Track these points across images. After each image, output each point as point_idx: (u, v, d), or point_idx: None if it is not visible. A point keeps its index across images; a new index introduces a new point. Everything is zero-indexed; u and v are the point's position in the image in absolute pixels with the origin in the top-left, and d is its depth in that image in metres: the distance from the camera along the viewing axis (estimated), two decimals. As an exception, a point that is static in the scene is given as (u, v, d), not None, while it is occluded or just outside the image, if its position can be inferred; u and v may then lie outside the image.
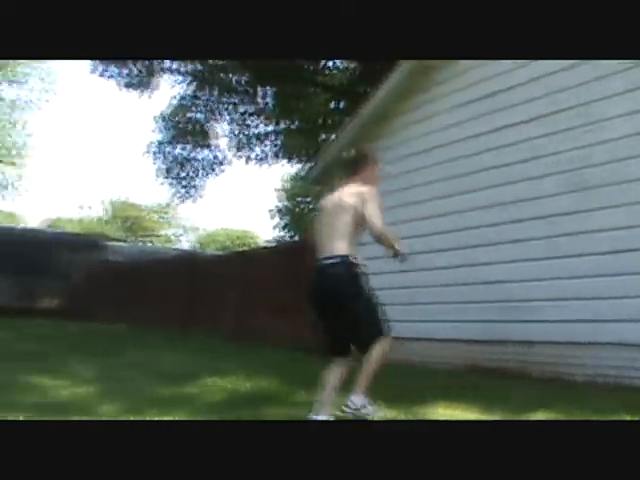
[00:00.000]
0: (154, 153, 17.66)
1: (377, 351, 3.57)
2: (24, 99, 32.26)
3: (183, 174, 17.94)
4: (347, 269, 3.66)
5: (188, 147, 17.66)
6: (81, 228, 37.99)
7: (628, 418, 3.50)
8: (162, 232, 42.84)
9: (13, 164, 32.07)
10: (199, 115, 17.11)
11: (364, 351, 3.60)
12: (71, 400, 4.45)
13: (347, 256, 3.66)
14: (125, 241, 32.95)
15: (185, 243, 43.23)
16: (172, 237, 43.47)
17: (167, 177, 17.95)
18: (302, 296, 4.30)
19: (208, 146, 17.78)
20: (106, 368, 6.21)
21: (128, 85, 16.04)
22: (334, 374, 3.66)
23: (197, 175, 18.10)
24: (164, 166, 17.71)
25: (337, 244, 3.70)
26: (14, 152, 32.02)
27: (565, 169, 5.82)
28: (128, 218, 41.21)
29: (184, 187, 18.21)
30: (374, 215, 3.69)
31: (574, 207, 5.73)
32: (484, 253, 6.47)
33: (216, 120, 17.08)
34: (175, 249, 26.05)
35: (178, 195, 18.65)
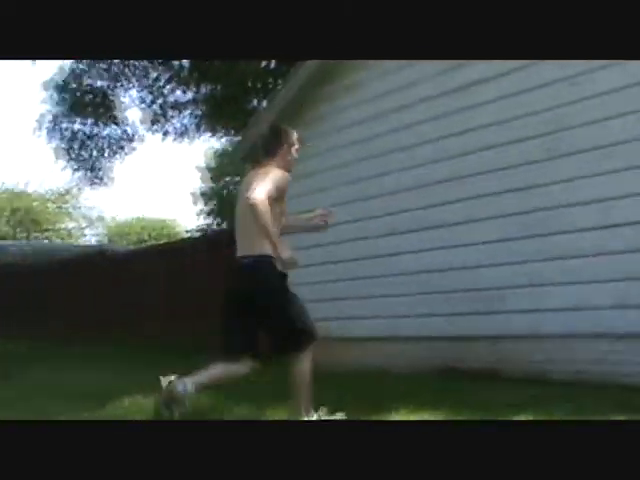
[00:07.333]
0: (47, 130, 15.04)
1: (304, 361, 3.47)
2: None
3: (85, 154, 15.27)
4: (261, 269, 3.51)
5: (89, 121, 14.90)
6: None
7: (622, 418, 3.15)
8: (61, 225, 37.75)
9: None
10: (100, 82, 14.26)
11: (284, 352, 3.52)
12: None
13: (261, 255, 3.48)
14: (15, 238, 29.28)
15: (91, 237, 38.89)
16: (74, 231, 38.40)
17: (65, 159, 15.30)
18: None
19: (114, 120, 15.01)
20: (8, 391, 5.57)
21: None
22: (223, 366, 3.52)
23: (102, 155, 15.41)
24: (61, 145, 15.11)
25: (255, 241, 3.49)
26: None
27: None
28: (17, 210, 35.62)
29: (86, 170, 15.51)
30: (255, 188, 3.35)
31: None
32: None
33: (122, 87, 14.49)
34: (77, 246, 23.39)
35: (80, 180, 16.15)
